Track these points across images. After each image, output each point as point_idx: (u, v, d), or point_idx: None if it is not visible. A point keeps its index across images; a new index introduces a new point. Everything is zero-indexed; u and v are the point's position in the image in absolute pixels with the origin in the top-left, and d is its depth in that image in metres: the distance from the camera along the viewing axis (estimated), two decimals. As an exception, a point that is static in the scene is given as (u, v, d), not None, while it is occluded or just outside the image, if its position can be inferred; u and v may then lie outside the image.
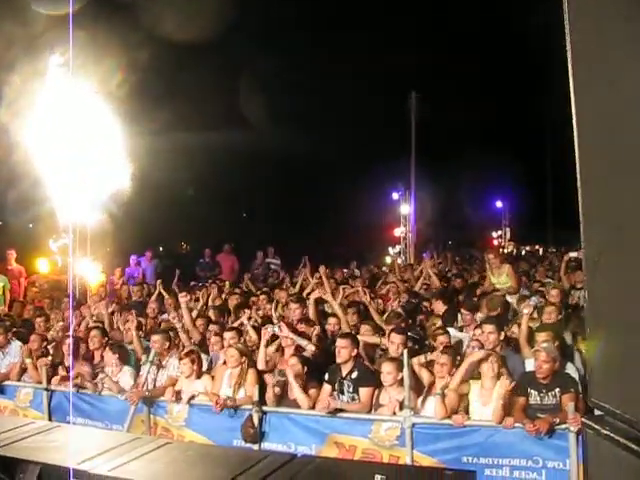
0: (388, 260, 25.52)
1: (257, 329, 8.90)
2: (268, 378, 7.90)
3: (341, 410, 7.13)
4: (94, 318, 11.03)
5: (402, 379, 6.83)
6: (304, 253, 15.82)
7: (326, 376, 7.52)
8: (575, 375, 6.99)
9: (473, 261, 20.86)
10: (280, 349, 8.25)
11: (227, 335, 8.57)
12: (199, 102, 19.64)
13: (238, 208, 26.88)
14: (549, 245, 34.41)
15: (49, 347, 9.41)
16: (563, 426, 6.28)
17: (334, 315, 9.21)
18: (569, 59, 2.63)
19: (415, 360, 7.41)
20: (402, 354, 6.91)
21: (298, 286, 12.53)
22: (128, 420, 7.79)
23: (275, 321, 8.93)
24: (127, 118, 13.26)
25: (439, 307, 9.77)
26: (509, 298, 10.01)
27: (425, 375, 7.29)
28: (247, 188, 26.67)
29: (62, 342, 9.46)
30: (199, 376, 8.10)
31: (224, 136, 20.37)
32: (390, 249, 26.78)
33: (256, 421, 7.29)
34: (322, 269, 11.50)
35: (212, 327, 9.44)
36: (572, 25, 2.63)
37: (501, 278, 10.90)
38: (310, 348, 7.87)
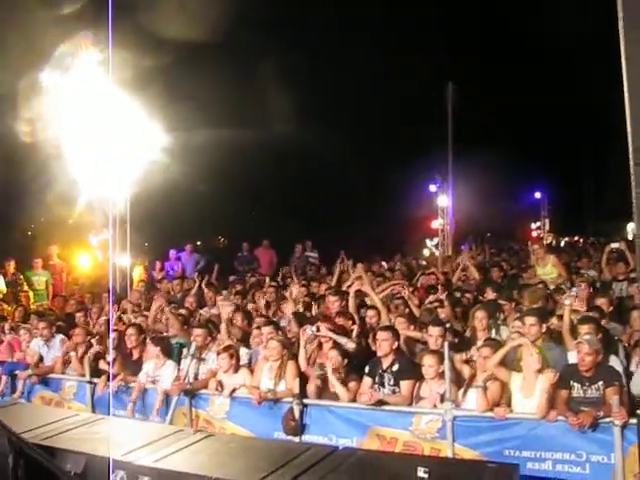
0: (426, 252, 25.43)
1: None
2: (309, 370, 7.90)
3: (382, 402, 7.10)
4: (134, 313, 11.13)
5: (443, 372, 6.77)
6: (341, 246, 15.78)
7: (366, 369, 7.51)
8: (619, 368, 6.88)
9: (512, 253, 20.64)
10: (319, 344, 8.23)
11: (265, 330, 8.62)
12: (231, 99, 19.70)
13: (275, 203, 26.86)
14: (589, 236, 33.88)
15: (92, 340, 9.52)
16: (607, 419, 6.17)
17: (373, 307, 9.18)
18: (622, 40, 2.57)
19: (457, 357, 7.36)
20: (442, 347, 6.85)
21: (335, 279, 12.48)
22: (170, 412, 7.85)
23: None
24: (161, 115, 13.43)
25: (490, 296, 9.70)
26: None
27: (466, 369, 7.23)
28: (283, 183, 26.70)
29: (104, 336, 9.59)
30: (237, 370, 8.14)
31: (258, 132, 20.43)
32: (428, 241, 26.61)
33: (297, 414, 7.29)
34: (360, 267, 11.36)
35: (258, 320, 9.51)
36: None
37: (546, 268, 10.84)
38: (350, 346, 7.84)
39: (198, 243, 23.59)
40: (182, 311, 10.35)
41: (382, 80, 25.76)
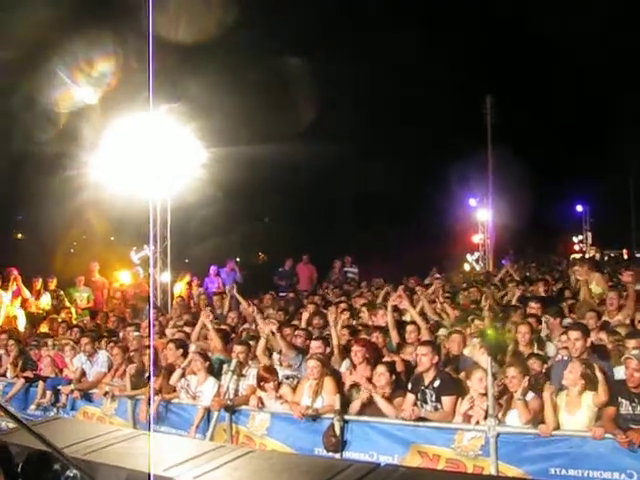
0: (466, 267, 25.19)
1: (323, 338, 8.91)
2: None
3: (424, 419, 7.01)
4: (175, 329, 11.17)
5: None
6: (381, 261, 15.71)
7: (409, 385, 7.45)
8: (670, 384, 6.67)
9: (553, 266, 20.34)
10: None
11: (314, 344, 8.56)
12: (275, 117, 19.87)
13: (316, 218, 26.93)
14: (634, 249, 33.24)
15: (132, 356, 9.59)
16: (659, 438, 5.98)
17: (413, 323, 9.10)
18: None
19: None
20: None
21: (381, 297, 12.29)
22: (211, 428, 7.87)
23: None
24: (204, 132, 13.59)
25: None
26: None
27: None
28: (324, 199, 26.78)
29: (142, 352, 9.63)
30: (278, 387, 8.11)
31: (300, 148, 20.53)
32: (468, 256, 26.39)
33: (338, 430, 7.24)
34: (400, 291, 11.12)
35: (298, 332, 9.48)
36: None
37: (591, 287, 10.56)
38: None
39: (237, 259, 23.72)
40: (223, 327, 10.35)
41: (422, 93, 25.72)
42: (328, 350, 8.55)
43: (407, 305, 9.62)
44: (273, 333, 9.09)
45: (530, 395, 6.70)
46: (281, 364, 8.79)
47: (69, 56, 14.36)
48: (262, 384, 8.08)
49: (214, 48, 16.44)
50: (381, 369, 7.44)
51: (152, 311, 12.94)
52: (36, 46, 14.09)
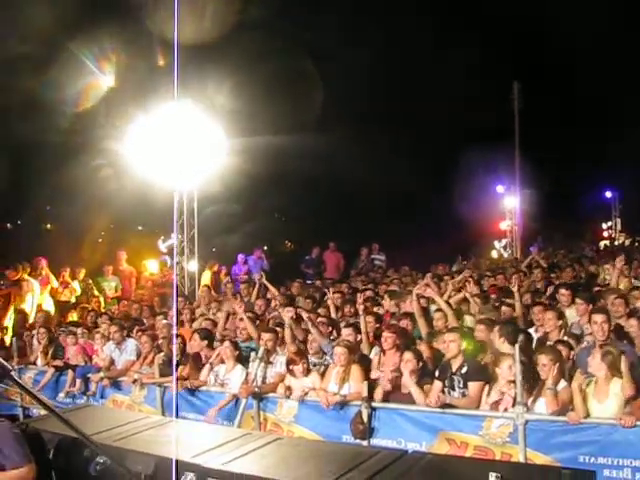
0: (494, 254, 25.05)
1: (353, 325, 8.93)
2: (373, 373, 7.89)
3: (452, 406, 6.99)
4: (202, 317, 11.23)
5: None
6: (409, 249, 15.67)
7: (437, 372, 7.43)
8: (701, 369, 6.59)
9: (582, 253, 20.13)
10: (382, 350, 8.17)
11: (345, 332, 8.59)
12: (300, 108, 19.89)
13: (342, 206, 26.91)
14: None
15: (161, 344, 9.66)
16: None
17: (439, 310, 9.11)
18: None
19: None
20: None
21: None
22: (239, 416, 7.92)
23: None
24: (226, 122, 13.64)
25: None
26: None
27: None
28: (349, 186, 26.69)
29: (170, 340, 9.70)
30: (307, 373, 8.11)
31: (322, 137, 20.53)
32: (496, 243, 26.24)
33: (365, 417, 7.24)
34: (428, 279, 11.09)
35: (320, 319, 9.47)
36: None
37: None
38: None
39: (265, 248, 23.85)
40: (249, 314, 10.38)
41: (447, 78, 25.56)
42: (359, 338, 8.55)
43: (433, 293, 9.59)
44: (297, 320, 9.13)
45: (562, 384, 6.65)
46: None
47: (96, 44, 14.46)
48: (291, 368, 8.07)
49: (236, 39, 16.48)
50: (408, 355, 7.41)
51: (179, 300, 13.00)
52: (63, 34, 14.21)
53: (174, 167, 12.94)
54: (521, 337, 7.50)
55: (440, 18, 24.75)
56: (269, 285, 12.62)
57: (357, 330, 8.65)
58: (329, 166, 24.01)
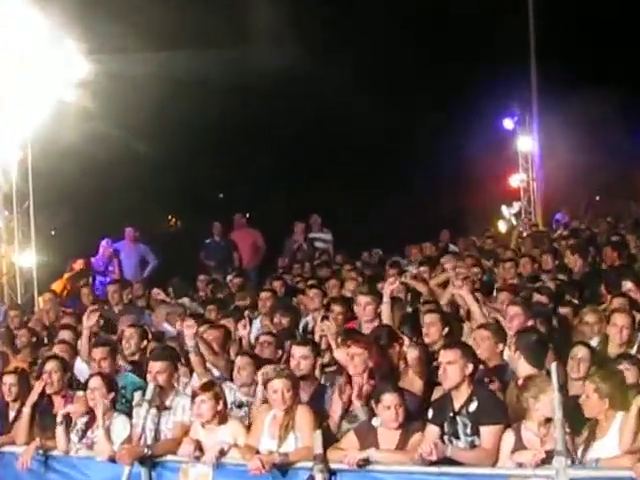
0: (501, 227, 24.98)
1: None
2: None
3: (452, 460, 6.88)
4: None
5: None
6: (372, 222, 15.68)
7: (429, 413, 7.34)
8: None
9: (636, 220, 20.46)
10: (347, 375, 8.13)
11: (296, 351, 8.52)
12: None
13: (266, 160, 26.75)
14: None
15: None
16: None
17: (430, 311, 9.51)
18: None
19: None
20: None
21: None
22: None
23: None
24: (83, 29, 13.38)
25: None
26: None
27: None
28: (280, 129, 26.61)
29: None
30: (224, 420, 7.97)
31: (237, 55, 20.37)
32: (504, 209, 26.16)
33: (320, 486, 7.18)
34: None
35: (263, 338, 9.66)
36: None
37: None
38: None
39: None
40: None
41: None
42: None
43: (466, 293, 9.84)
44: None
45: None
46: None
47: None
48: (199, 412, 7.93)
49: None
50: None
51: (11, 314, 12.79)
52: None
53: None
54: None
55: None
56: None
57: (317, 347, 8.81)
58: (253, 102, 23.96)
